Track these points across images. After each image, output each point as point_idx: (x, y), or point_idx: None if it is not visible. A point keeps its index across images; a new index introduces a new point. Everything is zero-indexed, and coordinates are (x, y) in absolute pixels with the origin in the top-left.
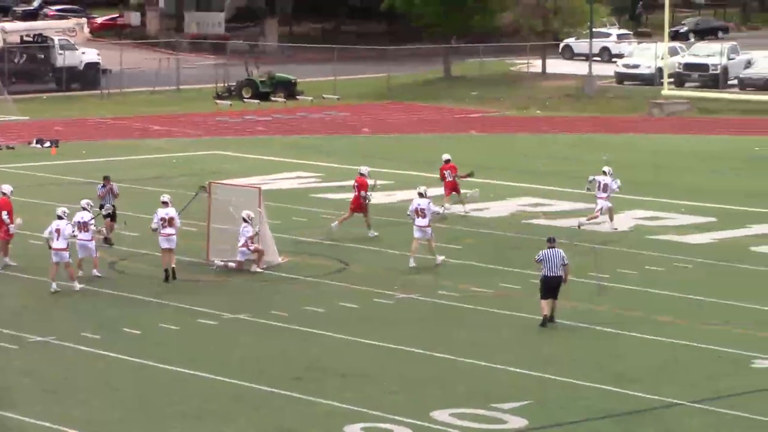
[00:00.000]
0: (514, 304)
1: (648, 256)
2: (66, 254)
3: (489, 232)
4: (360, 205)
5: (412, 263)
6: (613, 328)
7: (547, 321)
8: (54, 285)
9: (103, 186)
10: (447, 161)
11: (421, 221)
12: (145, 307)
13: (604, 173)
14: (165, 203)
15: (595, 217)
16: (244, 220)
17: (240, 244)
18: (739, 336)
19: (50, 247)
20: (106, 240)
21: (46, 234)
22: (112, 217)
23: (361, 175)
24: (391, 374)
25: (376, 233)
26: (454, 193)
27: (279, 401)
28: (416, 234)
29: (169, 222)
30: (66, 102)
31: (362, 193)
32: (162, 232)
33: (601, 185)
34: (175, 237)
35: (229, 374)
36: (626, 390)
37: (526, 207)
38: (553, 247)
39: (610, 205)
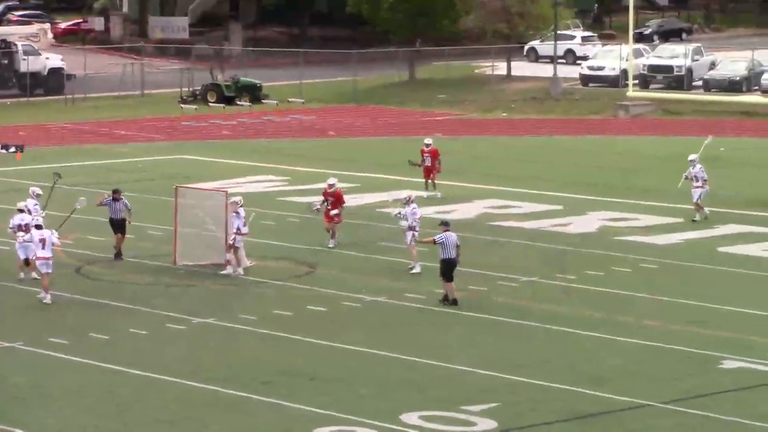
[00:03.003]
0: (482, 305)
1: (614, 257)
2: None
3: (456, 234)
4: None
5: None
6: (581, 330)
7: (451, 302)
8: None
9: (113, 199)
10: (428, 145)
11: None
12: (113, 312)
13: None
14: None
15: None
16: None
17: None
18: (707, 336)
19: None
20: (117, 254)
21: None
22: (122, 230)
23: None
24: (360, 377)
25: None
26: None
27: (251, 405)
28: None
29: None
30: (30, 107)
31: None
32: None
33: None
34: None
35: (200, 379)
36: (596, 391)
37: (491, 209)
38: (448, 230)
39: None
